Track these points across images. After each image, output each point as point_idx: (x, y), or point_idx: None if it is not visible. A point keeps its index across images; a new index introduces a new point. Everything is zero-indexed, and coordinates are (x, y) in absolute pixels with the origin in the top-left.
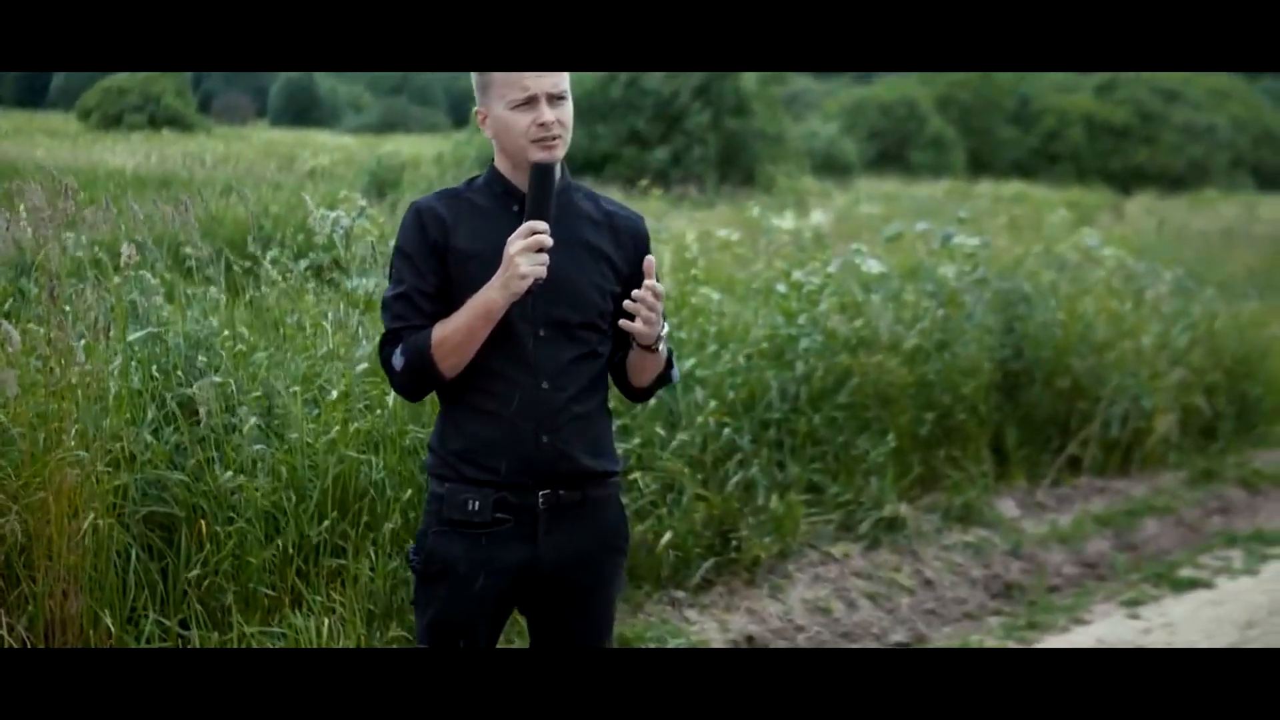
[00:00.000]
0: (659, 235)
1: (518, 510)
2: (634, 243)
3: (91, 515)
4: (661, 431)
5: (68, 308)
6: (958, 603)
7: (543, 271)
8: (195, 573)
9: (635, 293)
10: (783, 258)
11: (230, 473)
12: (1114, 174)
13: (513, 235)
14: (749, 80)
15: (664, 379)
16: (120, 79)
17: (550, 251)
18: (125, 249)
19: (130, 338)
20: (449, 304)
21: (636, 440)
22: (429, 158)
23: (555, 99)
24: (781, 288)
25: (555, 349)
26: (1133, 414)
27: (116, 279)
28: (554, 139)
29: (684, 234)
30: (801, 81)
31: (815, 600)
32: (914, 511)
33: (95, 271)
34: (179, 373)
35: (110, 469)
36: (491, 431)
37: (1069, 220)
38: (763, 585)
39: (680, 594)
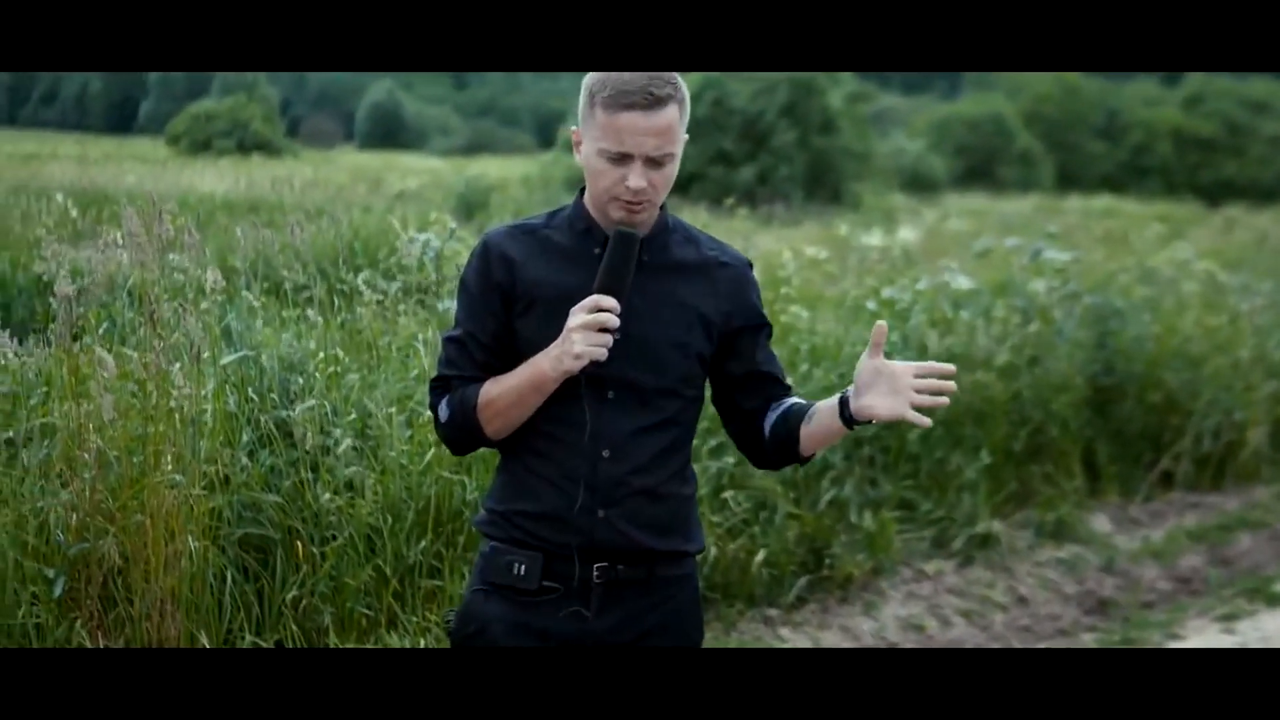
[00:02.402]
0: (747, 254)
1: (569, 580)
2: (734, 292)
3: (188, 538)
4: None
5: (162, 332)
6: (1051, 619)
7: (602, 354)
8: (292, 594)
9: (943, 384)
10: (873, 275)
11: (328, 494)
12: (1202, 187)
13: (576, 306)
14: (835, 98)
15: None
16: (208, 105)
17: (633, 304)
18: (210, 274)
19: (224, 361)
20: (509, 352)
21: (729, 459)
22: (516, 179)
23: (653, 163)
24: (872, 305)
25: (623, 415)
26: (1225, 428)
27: (203, 303)
28: (640, 205)
29: (780, 252)
30: (888, 99)
31: (909, 618)
32: (1007, 528)
33: (192, 295)
34: (273, 395)
35: (206, 492)
36: (544, 497)
37: (1161, 234)
38: (856, 603)
39: (774, 612)
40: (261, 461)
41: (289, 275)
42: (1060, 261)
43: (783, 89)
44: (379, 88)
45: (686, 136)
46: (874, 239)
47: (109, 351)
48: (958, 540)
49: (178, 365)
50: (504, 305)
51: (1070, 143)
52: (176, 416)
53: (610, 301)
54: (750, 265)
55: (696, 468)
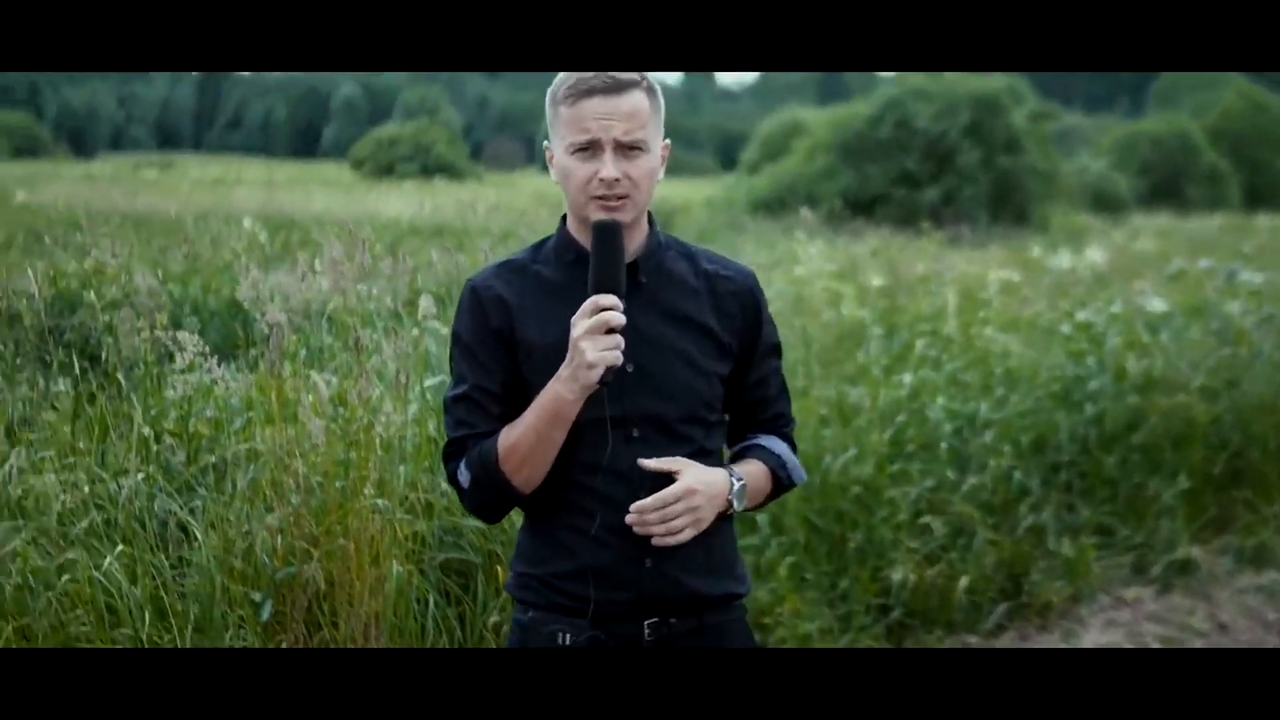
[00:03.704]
0: (941, 278)
1: (618, 643)
2: (740, 308)
3: (392, 562)
4: (952, 475)
5: (362, 358)
6: (1253, 647)
7: (616, 357)
8: (493, 619)
9: (629, 519)
10: (1066, 297)
11: None
12: None
13: (576, 314)
14: (1019, 117)
15: (778, 495)
16: (391, 130)
17: (638, 331)
18: (424, 301)
19: (426, 384)
20: (524, 400)
21: (929, 483)
22: (699, 201)
23: (625, 149)
24: (1066, 328)
25: (653, 452)
26: None
27: (414, 330)
28: (617, 199)
29: (983, 274)
30: (1070, 117)
31: (1108, 645)
32: (1206, 554)
33: (391, 321)
34: None
35: (408, 516)
36: (583, 553)
37: None
38: (1055, 630)
39: (973, 639)
40: None
41: None
42: (1255, 283)
43: (965, 108)
44: None
45: (668, 143)
46: (1062, 260)
47: (309, 378)
48: (1157, 566)
49: (378, 390)
50: (507, 351)
51: (1258, 160)
52: (379, 441)
53: (609, 299)
54: (755, 278)
55: (896, 493)
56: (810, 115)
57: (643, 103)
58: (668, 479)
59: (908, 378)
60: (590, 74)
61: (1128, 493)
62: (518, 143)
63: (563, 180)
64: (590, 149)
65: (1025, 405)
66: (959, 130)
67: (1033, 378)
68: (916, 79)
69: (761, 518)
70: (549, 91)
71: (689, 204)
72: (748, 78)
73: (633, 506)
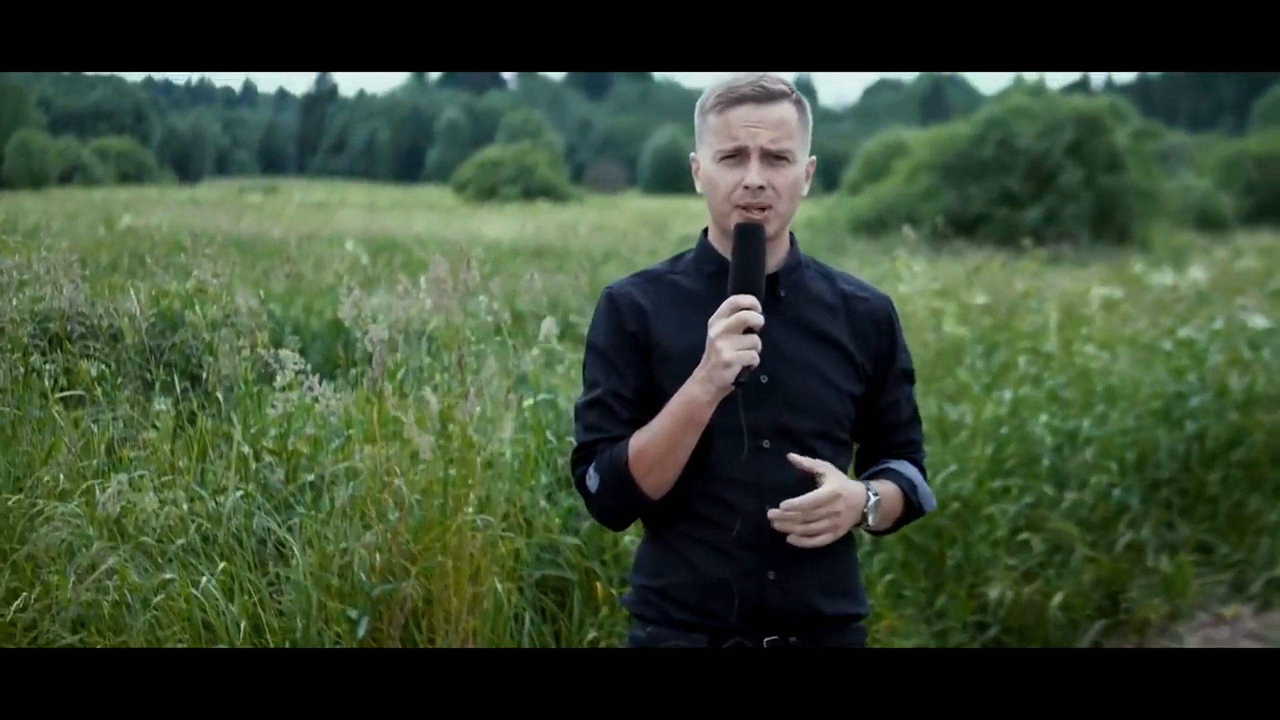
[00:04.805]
0: (1042, 295)
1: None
2: (875, 330)
3: (492, 579)
4: (1051, 492)
5: (467, 376)
6: None
7: (752, 357)
8: (589, 635)
9: (773, 513)
10: (1168, 315)
11: (629, 536)
12: None
13: (714, 314)
14: (1121, 136)
15: (909, 520)
16: (494, 152)
17: (774, 344)
18: (546, 324)
19: (526, 404)
20: (655, 407)
21: (1028, 500)
22: (800, 222)
23: (771, 157)
24: (1168, 345)
25: (782, 464)
26: None
27: (534, 350)
28: (761, 208)
29: (1085, 290)
30: (1174, 136)
31: None
32: None
33: (495, 340)
34: (570, 439)
35: (509, 534)
36: (705, 565)
37: None
38: (1152, 647)
39: None
40: (560, 503)
41: (579, 319)
42: None
43: (1068, 127)
44: (663, 133)
45: (813, 159)
46: (1165, 277)
47: (409, 396)
48: (1256, 584)
49: (478, 409)
50: (641, 356)
51: None
52: (478, 459)
53: (748, 299)
54: (891, 302)
55: (994, 510)
56: (912, 136)
57: (791, 114)
58: (795, 491)
59: (1008, 394)
60: (742, 83)
61: (1228, 510)
62: (620, 165)
63: (708, 189)
64: (736, 156)
65: (1126, 422)
66: (1061, 149)
67: (1134, 395)
68: (1019, 99)
69: (860, 533)
70: (698, 102)
71: (791, 224)
72: (850, 98)
73: (783, 504)
